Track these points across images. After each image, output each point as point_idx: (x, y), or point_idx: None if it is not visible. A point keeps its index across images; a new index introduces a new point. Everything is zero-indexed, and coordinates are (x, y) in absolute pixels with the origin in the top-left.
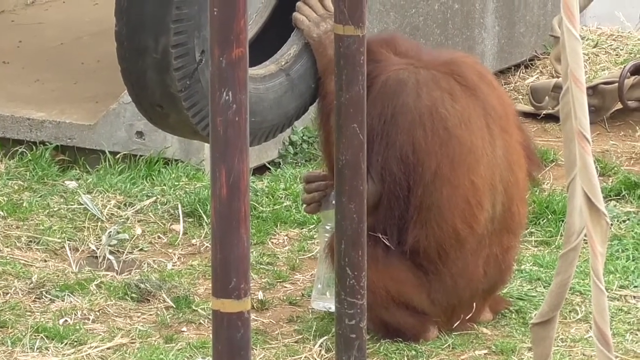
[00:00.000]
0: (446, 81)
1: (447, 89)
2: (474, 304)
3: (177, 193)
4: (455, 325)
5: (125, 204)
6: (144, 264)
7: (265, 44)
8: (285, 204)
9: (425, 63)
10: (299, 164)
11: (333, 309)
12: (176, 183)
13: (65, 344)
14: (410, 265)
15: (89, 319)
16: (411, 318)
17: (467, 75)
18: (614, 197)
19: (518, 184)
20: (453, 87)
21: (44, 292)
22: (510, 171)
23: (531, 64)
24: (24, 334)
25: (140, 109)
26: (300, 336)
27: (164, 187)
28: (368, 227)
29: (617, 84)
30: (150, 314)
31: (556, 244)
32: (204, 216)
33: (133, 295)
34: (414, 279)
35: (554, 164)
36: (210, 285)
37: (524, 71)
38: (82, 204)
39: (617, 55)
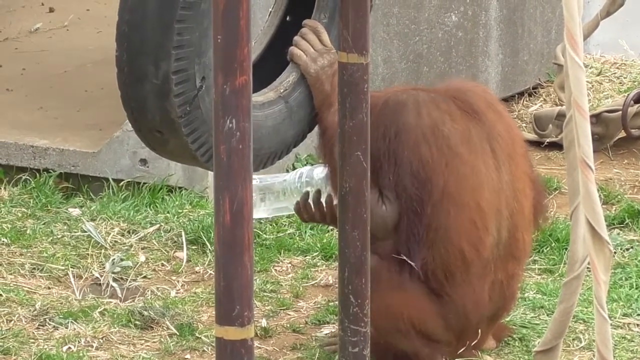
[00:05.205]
0: (445, 103)
1: (446, 110)
2: (479, 331)
3: (180, 220)
4: (460, 351)
5: (128, 232)
6: (148, 291)
7: (264, 71)
8: (288, 231)
9: (424, 88)
10: None
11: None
12: (180, 210)
13: None
14: (426, 291)
15: (92, 346)
16: (425, 347)
17: (472, 101)
18: (618, 225)
19: (523, 212)
20: (452, 109)
21: (47, 320)
22: (516, 199)
23: (535, 92)
24: None
25: (139, 134)
26: None
27: (167, 214)
28: (391, 251)
29: (620, 112)
30: (154, 342)
31: (560, 272)
32: (208, 244)
33: (137, 322)
34: (432, 307)
35: (557, 192)
36: (213, 312)
37: (527, 99)
38: (86, 232)
39: (620, 83)
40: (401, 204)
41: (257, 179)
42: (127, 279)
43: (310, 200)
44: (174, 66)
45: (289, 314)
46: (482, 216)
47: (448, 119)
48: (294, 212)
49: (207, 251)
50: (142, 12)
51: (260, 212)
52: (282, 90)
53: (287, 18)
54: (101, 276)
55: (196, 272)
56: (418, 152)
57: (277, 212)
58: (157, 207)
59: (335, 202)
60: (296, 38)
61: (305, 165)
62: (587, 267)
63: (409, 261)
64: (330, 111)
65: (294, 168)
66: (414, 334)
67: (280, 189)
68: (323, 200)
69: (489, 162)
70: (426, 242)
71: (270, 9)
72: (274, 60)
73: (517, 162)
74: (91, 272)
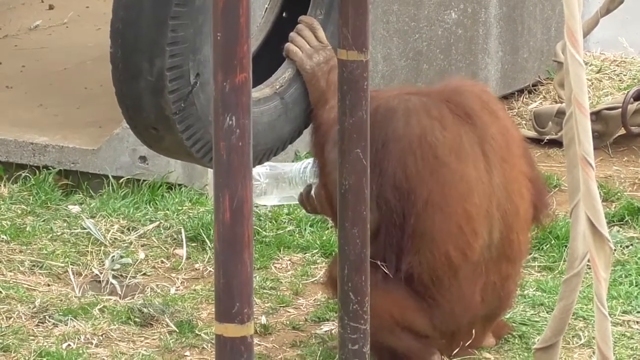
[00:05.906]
0: (437, 109)
1: (437, 117)
2: (473, 331)
3: (180, 218)
4: (456, 351)
5: (128, 229)
6: (147, 288)
7: (260, 68)
8: (288, 228)
9: (420, 91)
10: None
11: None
12: (179, 208)
13: None
14: (411, 291)
15: (92, 344)
16: (415, 342)
17: (466, 103)
18: (617, 223)
19: (518, 213)
20: (444, 115)
21: (47, 317)
22: (509, 200)
23: (534, 90)
24: (27, 358)
25: (135, 131)
26: None
27: (167, 211)
28: (372, 254)
29: (620, 110)
30: (154, 339)
31: (559, 269)
32: (207, 241)
33: (136, 319)
34: (416, 304)
35: (557, 189)
36: (213, 309)
37: (527, 96)
38: (85, 229)
39: (620, 80)
40: (381, 214)
41: (267, 167)
42: (126, 276)
43: (312, 193)
44: (168, 63)
45: (289, 311)
46: (469, 221)
47: (438, 126)
48: (298, 202)
49: (207, 248)
50: (136, 9)
51: (271, 199)
52: (277, 87)
53: (283, 14)
54: (101, 273)
55: (196, 269)
56: (403, 163)
57: (285, 200)
58: (156, 204)
59: (312, 192)
60: (292, 34)
61: None
62: (587, 265)
63: (384, 269)
64: (325, 108)
65: None
66: (399, 331)
67: (287, 178)
68: None
69: (479, 166)
70: (411, 248)
71: (266, 6)
72: (269, 56)
73: (511, 164)
74: (91, 269)
